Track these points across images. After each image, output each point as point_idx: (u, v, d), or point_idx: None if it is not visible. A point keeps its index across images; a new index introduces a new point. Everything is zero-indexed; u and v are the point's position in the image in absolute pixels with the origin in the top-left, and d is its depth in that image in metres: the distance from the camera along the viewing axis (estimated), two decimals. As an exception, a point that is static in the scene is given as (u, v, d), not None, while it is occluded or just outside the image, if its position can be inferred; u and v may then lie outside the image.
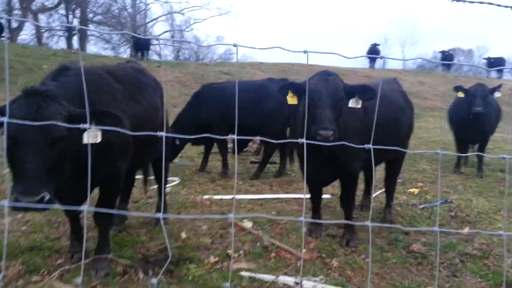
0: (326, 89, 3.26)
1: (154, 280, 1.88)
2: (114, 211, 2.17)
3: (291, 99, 3.55)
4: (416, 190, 6.02)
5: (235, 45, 1.49)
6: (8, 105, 1.91)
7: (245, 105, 6.26)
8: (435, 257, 3.68)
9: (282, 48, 1.51)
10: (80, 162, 2.34)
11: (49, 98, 2.30)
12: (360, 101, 3.41)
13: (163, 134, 1.47)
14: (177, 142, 6.58)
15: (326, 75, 3.39)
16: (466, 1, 1.44)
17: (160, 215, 1.44)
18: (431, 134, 12.24)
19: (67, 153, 2.37)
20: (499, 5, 1.44)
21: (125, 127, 2.81)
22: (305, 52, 1.53)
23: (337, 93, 3.31)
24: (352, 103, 3.40)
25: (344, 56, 1.78)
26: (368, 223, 1.45)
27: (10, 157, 2.19)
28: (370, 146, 1.64)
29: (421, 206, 5.24)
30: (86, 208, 1.45)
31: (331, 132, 3.08)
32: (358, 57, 1.89)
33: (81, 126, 1.72)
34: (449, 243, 3.95)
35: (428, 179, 6.85)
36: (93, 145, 2.21)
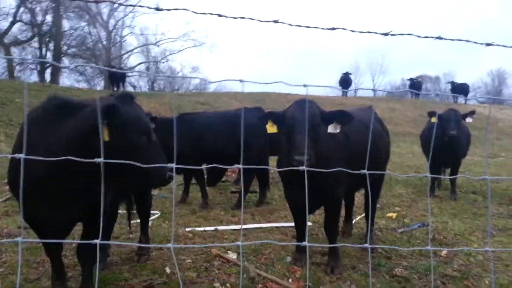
0: (302, 116, 3.35)
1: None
2: (133, 244, 2.20)
3: (271, 128, 3.67)
4: (394, 214, 6.17)
5: (241, 81, 1.57)
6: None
7: (218, 135, 6.35)
8: (417, 280, 3.77)
9: (284, 83, 1.62)
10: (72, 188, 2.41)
11: None
12: (339, 126, 3.53)
13: (173, 165, 1.51)
14: None
15: (303, 103, 3.50)
16: (447, 39, 1.60)
17: (170, 245, 1.46)
18: (404, 158, 12.62)
19: None
20: (475, 42, 1.60)
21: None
22: (304, 86, 1.64)
23: (313, 119, 3.39)
24: (331, 129, 3.52)
25: (338, 88, 1.90)
26: (367, 245, 1.52)
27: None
28: (366, 171, 1.73)
29: (400, 230, 5.36)
30: (99, 242, 1.44)
31: (307, 157, 3.15)
32: (350, 90, 2.00)
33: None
34: (429, 266, 4.05)
35: (405, 203, 7.03)
36: (80, 176, 2.36)
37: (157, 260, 4.10)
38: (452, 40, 1.60)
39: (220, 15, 1.46)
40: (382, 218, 6.01)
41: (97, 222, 3.09)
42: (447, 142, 7.00)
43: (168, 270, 3.82)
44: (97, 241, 1.42)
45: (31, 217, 2.88)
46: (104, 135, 2.38)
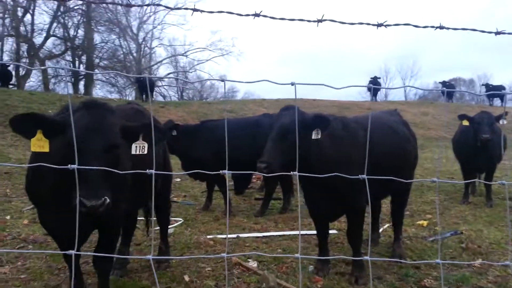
0: (275, 124, 3.38)
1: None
2: (109, 255, 2.12)
3: None
4: (425, 222, 5.88)
5: (222, 80, 1.51)
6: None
7: (240, 141, 6.28)
8: (448, 292, 3.54)
9: (269, 81, 1.53)
10: None
11: (107, 110, 2.51)
12: (319, 132, 3.37)
13: (152, 171, 1.46)
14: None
15: (284, 110, 3.46)
16: (449, 28, 1.45)
17: (150, 257, 1.39)
18: (437, 164, 12.14)
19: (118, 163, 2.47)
20: (482, 31, 1.45)
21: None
22: (292, 84, 1.54)
23: (284, 127, 3.30)
24: (314, 135, 3.39)
25: (330, 87, 1.80)
26: (367, 257, 1.39)
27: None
28: (365, 176, 1.61)
29: (431, 239, 5.10)
30: (74, 252, 1.40)
31: (264, 165, 3.17)
32: (344, 87, 1.88)
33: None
34: (461, 276, 3.80)
35: (436, 210, 6.71)
36: None
37: (176, 268, 4.04)
38: (455, 29, 1.44)
39: (195, 10, 1.38)
40: (412, 226, 5.75)
41: (113, 230, 3.09)
42: (480, 146, 6.65)
43: (187, 278, 3.76)
44: (73, 252, 1.37)
45: (46, 225, 2.90)
46: (45, 146, 2.29)
